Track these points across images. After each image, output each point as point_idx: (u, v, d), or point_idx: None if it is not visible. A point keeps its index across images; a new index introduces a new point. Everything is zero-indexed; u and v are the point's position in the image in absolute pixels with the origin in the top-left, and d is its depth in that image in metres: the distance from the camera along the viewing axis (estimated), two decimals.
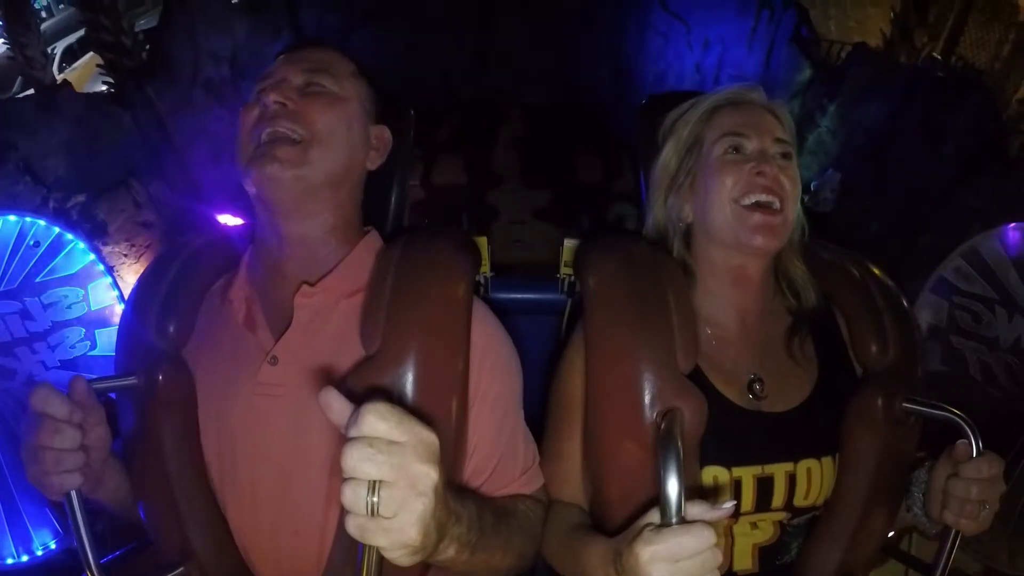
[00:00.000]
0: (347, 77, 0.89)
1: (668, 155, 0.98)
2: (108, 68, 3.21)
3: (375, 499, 0.53)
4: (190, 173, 3.25)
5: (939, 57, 3.35)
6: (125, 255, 2.94)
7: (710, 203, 0.91)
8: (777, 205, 0.88)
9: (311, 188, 0.83)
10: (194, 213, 3.02)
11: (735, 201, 0.89)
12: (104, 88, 3.21)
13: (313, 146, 0.82)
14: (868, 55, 3.37)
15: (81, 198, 2.85)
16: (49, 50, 3.59)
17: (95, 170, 2.91)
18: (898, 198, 3.10)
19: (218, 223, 2.83)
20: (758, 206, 0.88)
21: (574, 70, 4.39)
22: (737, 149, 0.91)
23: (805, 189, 3.40)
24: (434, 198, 4.01)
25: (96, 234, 2.81)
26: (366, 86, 0.92)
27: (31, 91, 3.04)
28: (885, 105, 3.20)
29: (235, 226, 1.00)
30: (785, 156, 0.91)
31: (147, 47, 3.26)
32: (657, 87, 4.26)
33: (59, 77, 4.12)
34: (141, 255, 2.98)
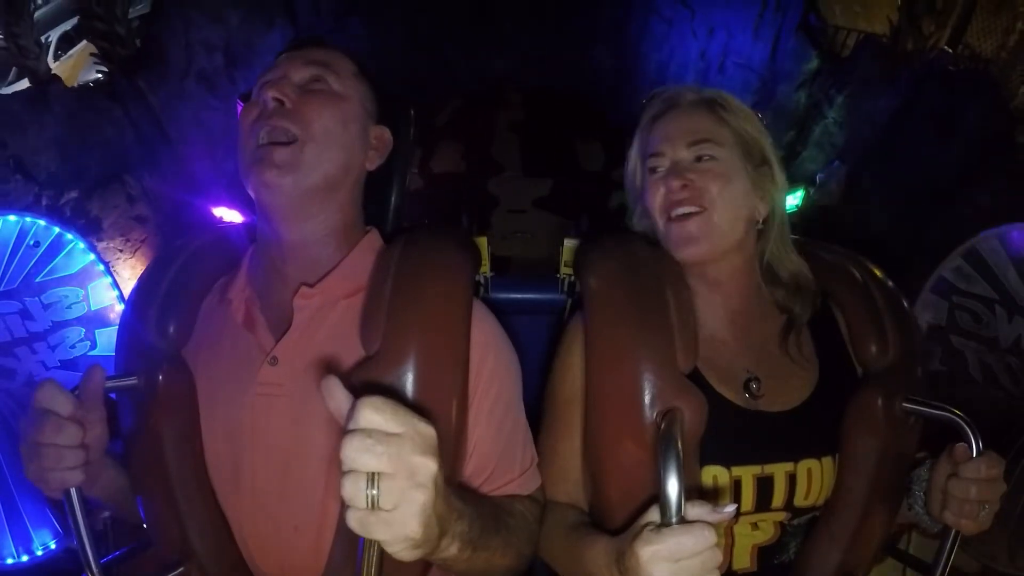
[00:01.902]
0: (347, 76, 0.89)
1: (632, 165, 1.01)
2: (102, 57, 3.16)
3: (375, 491, 0.52)
4: (184, 165, 3.21)
5: (948, 49, 3.29)
6: (120, 250, 2.93)
7: (652, 219, 0.95)
8: (697, 208, 0.89)
9: (309, 191, 0.83)
10: (189, 206, 3.00)
11: (665, 217, 0.92)
12: (99, 76, 3.16)
13: (308, 145, 0.82)
14: (878, 47, 3.32)
15: (74, 194, 2.83)
16: (44, 38, 3.52)
17: (87, 165, 2.88)
18: (905, 193, 3.06)
19: (215, 217, 2.80)
20: (681, 217, 0.90)
21: (575, 55, 4.31)
22: (654, 170, 0.94)
23: (811, 181, 3.36)
24: (433, 187, 3.93)
25: (90, 230, 2.78)
26: (367, 86, 0.92)
27: (24, 80, 2.99)
28: (894, 98, 3.15)
29: (235, 226, 1.00)
30: (703, 157, 0.92)
31: (140, 36, 3.20)
32: (660, 75, 4.15)
33: (54, 65, 4.04)
34: (136, 250, 2.97)
